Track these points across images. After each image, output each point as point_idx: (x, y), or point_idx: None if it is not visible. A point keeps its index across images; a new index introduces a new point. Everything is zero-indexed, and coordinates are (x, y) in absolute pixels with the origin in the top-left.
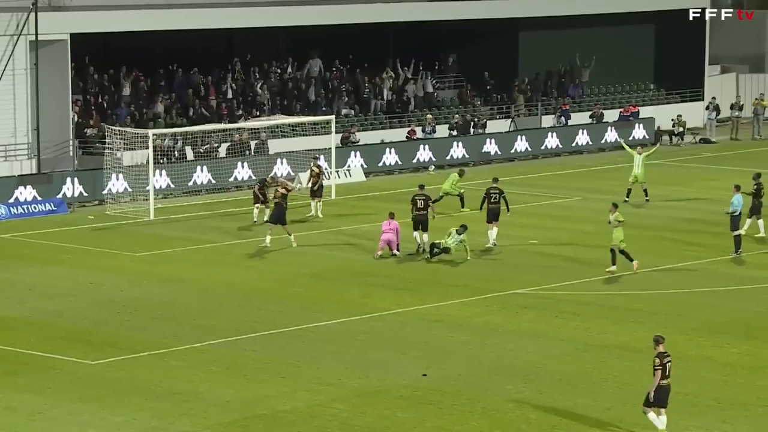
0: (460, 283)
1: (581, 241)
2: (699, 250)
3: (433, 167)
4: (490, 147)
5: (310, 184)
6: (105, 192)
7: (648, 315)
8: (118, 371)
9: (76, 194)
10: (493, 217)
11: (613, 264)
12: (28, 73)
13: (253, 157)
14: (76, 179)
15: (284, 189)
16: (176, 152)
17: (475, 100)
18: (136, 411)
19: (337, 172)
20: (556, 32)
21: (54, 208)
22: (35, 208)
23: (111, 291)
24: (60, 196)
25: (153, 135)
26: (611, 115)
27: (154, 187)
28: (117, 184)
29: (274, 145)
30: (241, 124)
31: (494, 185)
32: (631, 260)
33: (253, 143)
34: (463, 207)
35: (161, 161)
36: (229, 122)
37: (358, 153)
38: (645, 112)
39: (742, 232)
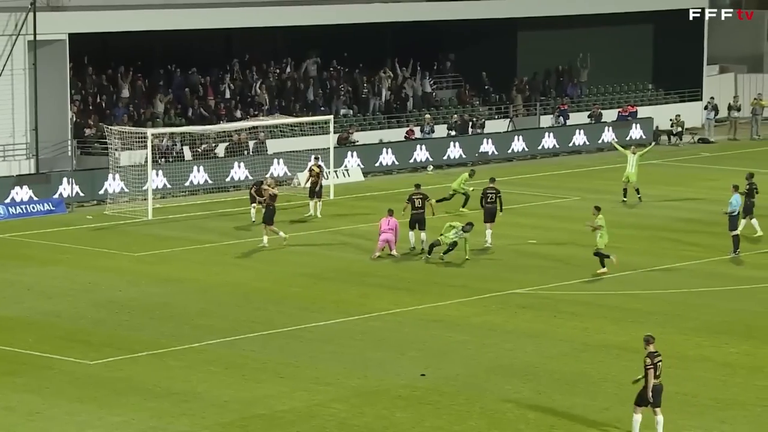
0: (458, 283)
1: (580, 241)
2: (697, 250)
3: (431, 167)
4: (488, 147)
5: (308, 184)
6: (101, 192)
7: (646, 315)
8: (117, 371)
9: (74, 194)
10: (489, 217)
11: (603, 266)
12: (27, 73)
13: (250, 157)
14: (74, 179)
15: (273, 191)
16: (174, 152)
17: (474, 100)
18: (135, 411)
19: (336, 172)
20: (555, 32)
21: (52, 208)
22: (34, 208)
23: (109, 291)
24: (58, 196)
25: (151, 135)
26: (610, 115)
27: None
28: (113, 184)
29: (273, 145)
30: (240, 124)
31: (491, 185)
32: (603, 265)
33: (251, 143)
34: (464, 206)
35: (159, 161)
36: (228, 122)
37: (354, 153)
38: (643, 112)
39: (739, 232)
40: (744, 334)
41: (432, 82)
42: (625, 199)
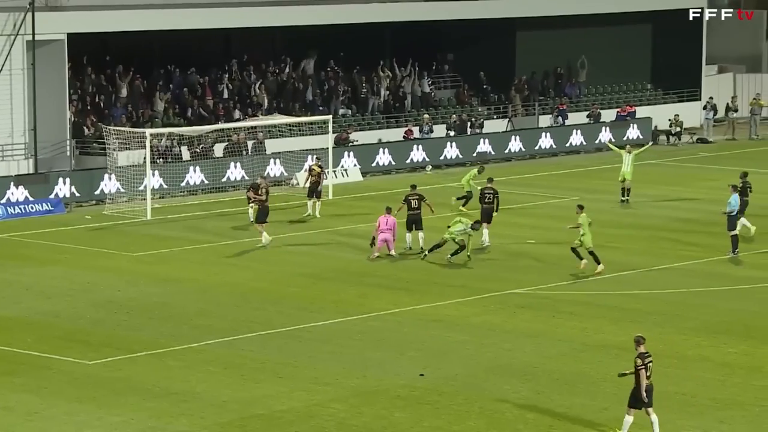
0: (457, 283)
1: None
2: (696, 250)
3: (430, 167)
4: (485, 147)
5: (308, 184)
6: (97, 192)
7: (645, 315)
8: (116, 371)
9: (72, 194)
10: (486, 217)
11: (598, 263)
12: (25, 73)
13: (246, 157)
14: (73, 179)
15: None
16: (174, 153)
17: (473, 100)
18: (134, 411)
19: (335, 172)
20: (553, 32)
21: (51, 208)
22: (32, 208)
23: (108, 291)
24: (56, 196)
25: (150, 135)
26: (608, 115)
27: (146, 188)
28: (109, 184)
29: (271, 145)
30: (239, 123)
31: (489, 185)
32: (581, 259)
33: (250, 143)
34: (464, 205)
35: (157, 161)
36: (226, 122)
37: (351, 153)
38: (642, 112)
39: (737, 232)
40: (743, 334)
41: (430, 82)
42: (623, 198)
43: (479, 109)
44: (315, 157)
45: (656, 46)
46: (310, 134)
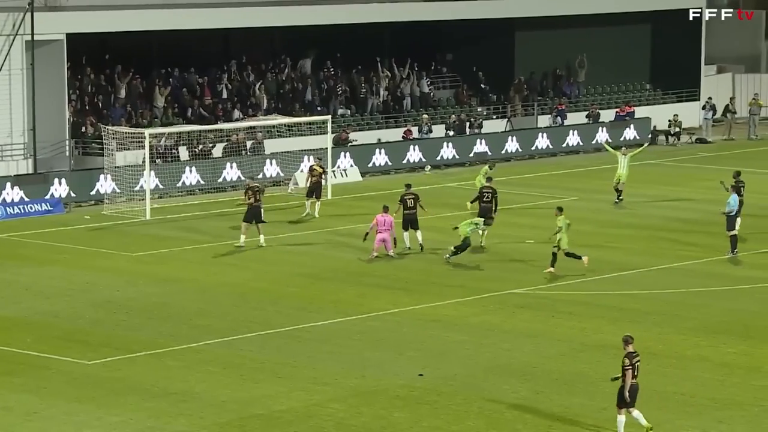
0: (456, 283)
1: (578, 240)
2: (695, 250)
3: (429, 167)
4: (481, 147)
5: (308, 184)
6: (93, 193)
7: (644, 315)
8: (115, 371)
9: (71, 194)
10: (484, 216)
11: (580, 258)
12: (25, 73)
13: (243, 158)
14: (71, 179)
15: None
16: (173, 153)
17: (472, 100)
18: (133, 411)
19: (333, 172)
20: (552, 32)
21: (50, 208)
22: (31, 208)
23: (107, 291)
24: (51, 196)
25: (149, 135)
26: (607, 115)
27: (143, 188)
28: (106, 184)
29: (270, 146)
30: (238, 124)
31: (488, 184)
32: (580, 258)
33: (249, 143)
34: (472, 201)
35: (156, 161)
36: (225, 122)
37: (348, 153)
38: (641, 112)
39: (736, 232)
40: (742, 334)
41: (429, 82)
42: (618, 199)
43: (478, 110)
44: (316, 157)
45: (655, 46)
46: (309, 134)
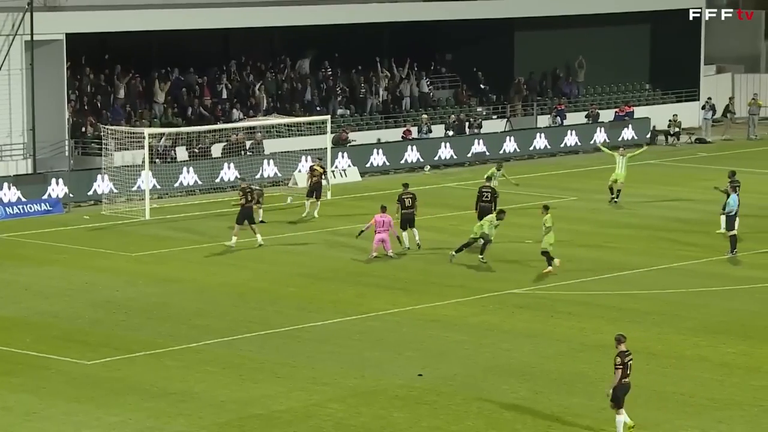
0: (455, 283)
1: (577, 240)
2: (695, 250)
3: (428, 167)
4: (479, 148)
5: (309, 184)
6: (90, 193)
7: (644, 315)
8: (114, 371)
9: (70, 194)
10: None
11: (549, 264)
12: (24, 73)
13: (241, 158)
14: (71, 179)
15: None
16: (173, 153)
17: (471, 100)
18: (132, 411)
19: (333, 172)
20: (552, 32)
21: (49, 208)
22: (31, 208)
23: (106, 291)
24: (53, 196)
25: (148, 135)
26: (607, 115)
27: (140, 188)
28: (103, 185)
29: (269, 146)
30: (238, 124)
31: (487, 184)
32: (550, 262)
33: (248, 143)
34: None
35: (155, 161)
36: (225, 122)
37: (346, 153)
38: (640, 112)
39: (736, 232)
40: (741, 334)
41: (429, 82)
42: (616, 200)
43: (478, 110)
44: (316, 157)
45: (655, 46)
46: (308, 135)
